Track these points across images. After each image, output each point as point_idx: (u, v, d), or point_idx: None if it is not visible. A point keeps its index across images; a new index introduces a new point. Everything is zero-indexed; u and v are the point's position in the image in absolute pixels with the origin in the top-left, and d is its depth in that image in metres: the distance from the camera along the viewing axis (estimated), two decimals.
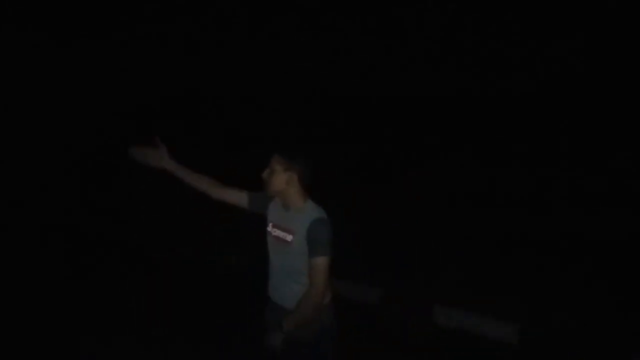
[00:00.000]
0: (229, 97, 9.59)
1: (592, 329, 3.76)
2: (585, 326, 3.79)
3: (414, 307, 4.16)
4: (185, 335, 3.69)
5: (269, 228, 2.21)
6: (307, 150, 2.14)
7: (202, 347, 3.57)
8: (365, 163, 7.86)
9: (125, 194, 6.45)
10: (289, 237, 2.10)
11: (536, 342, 3.68)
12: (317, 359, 2.20)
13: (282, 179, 2.07)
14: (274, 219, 2.20)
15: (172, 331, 3.73)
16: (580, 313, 3.95)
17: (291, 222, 2.12)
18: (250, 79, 9.58)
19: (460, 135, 8.26)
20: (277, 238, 2.16)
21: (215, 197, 2.29)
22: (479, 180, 6.97)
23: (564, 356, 3.58)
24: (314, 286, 2.05)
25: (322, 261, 2.02)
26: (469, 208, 6.32)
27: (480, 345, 3.72)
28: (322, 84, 9.33)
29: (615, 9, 7.84)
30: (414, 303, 4.20)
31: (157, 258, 5.17)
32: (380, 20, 9.52)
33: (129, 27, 9.83)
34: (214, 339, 3.63)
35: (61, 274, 4.71)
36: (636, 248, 5.08)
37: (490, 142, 7.91)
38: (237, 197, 2.29)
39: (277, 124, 8.60)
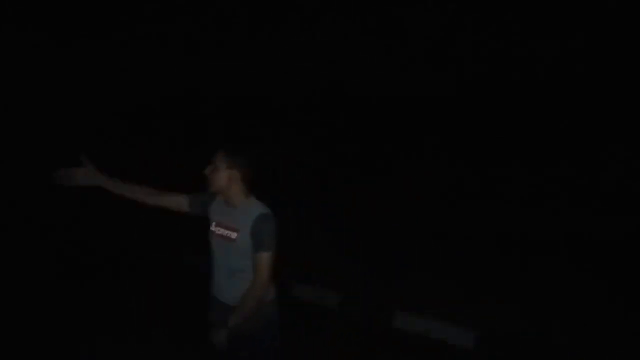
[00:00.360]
0: (229, 97, 9.59)
1: (549, 336, 3.75)
2: (542, 333, 3.78)
3: (374, 311, 4.15)
4: (184, 336, 3.68)
5: (213, 227, 2.20)
6: (252, 149, 2.15)
7: (203, 348, 3.56)
8: (337, 163, 7.82)
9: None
10: (234, 235, 2.11)
11: (492, 348, 3.68)
12: (262, 353, 2.22)
13: (224, 176, 2.09)
14: (217, 218, 2.19)
15: (171, 331, 3.72)
16: (538, 320, 3.95)
17: (235, 219, 2.12)
18: (250, 79, 9.59)
19: (445, 135, 8.28)
20: (221, 236, 2.15)
21: (154, 205, 2.26)
22: (467, 181, 6.99)
23: None
24: (257, 280, 2.07)
25: (265, 256, 2.06)
26: (437, 211, 6.30)
27: (438, 350, 3.71)
28: (321, 84, 9.34)
29: (615, 9, 7.83)
30: (375, 308, 4.19)
31: (155, 259, 5.16)
32: (380, 21, 9.52)
33: (129, 27, 9.83)
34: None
35: (60, 274, 4.71)
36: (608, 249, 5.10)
37: (480, 141, 7.93)
38: (176, 202, 2.25)
39: (277, 124, 8.61)
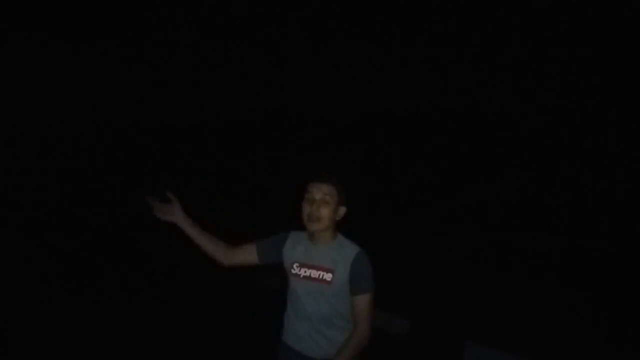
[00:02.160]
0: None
1: None
2: None
3: (444, 342, 3.89)
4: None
5: (295, 269, 1.95)
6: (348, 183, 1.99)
7: None
8: (389, 189, 7.71)
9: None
10: (328, 276, 1.89)
11: None
12: None
13: (335, 213, 1.91)
14: (299, 258, 1.95)
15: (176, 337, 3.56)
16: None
17: (326, 258, 1.91)
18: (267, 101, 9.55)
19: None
20: (310, 278, 1.92)
21: (227, 264, 2.05)
22: (514, 206, 6.89)
23: None
24: (362, 325, 1.88)
25: (369, 298, 1.88)
26: (502, 236, 6.12)
27: None
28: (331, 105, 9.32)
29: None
30: (445, 338, 3.93)
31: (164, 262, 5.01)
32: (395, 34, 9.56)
33: (131, 31, 9.66)
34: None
35: (64, 276, 4.54)
36: None
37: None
38: (247, 256, 2.03)
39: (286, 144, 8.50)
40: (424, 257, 5.50)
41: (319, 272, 1.90)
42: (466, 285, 4.85)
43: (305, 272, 1.93)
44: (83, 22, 9.14)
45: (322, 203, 1.87)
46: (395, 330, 4.11)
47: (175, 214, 2.01)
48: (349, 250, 1.91)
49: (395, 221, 6.59)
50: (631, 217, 6.29)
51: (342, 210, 1.93)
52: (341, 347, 1.88)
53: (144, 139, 8.50)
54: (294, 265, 1.95)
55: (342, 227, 1.99)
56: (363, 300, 1.87)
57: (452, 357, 3.74)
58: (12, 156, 6.86)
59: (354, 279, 1.87)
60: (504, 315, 4.28)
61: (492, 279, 5.03)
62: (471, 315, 4.28)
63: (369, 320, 1.88)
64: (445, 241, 5.98)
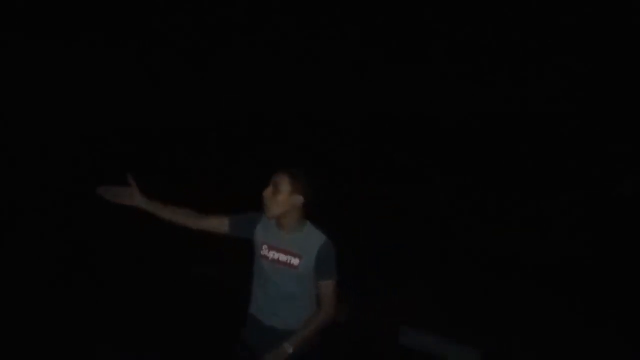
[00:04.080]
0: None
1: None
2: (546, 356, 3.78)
3: (380, 326, 4.05)
4: (187, 346, 3.60)
5: (264, 251, 2.10)
6: (313, 173, 2.10)
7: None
8: (337, 175, 7.73)
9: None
10: (295, 261, 2.04)
11: None
12: None
13: (286, 201, 2.00)
14: (269, 241, 2.09)
15: (174, 340, 3.61)
16: (543, 342, 3.95)
17: (294, 244, 2.06)
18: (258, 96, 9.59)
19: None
20: (277, 261, 2.07)
21: (196, 228, 2.18)
22: (452, 198, 7.02)
23: None
24: (326, 309, 2.09)
25: (333, 284, 2.08)
26: (440, 226, 6.25)
27: None
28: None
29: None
30: (381, 322, 4.09)
31: (161, 264, 4.92)
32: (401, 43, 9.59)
33: (134, 28, 9.74)
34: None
35: (61, 276, 4.51)
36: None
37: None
38: (218, 224, 2.16)
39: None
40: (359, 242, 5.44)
41: (287, 257, 2.05)
42: (408, 274, 4.97)
43: (273, 254, 2.07)
44: (76, 22, 9.23)
45: (275, 191, 2.00)
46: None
47: (134, 197, 2.12)
48: (316, 238, 2.06)
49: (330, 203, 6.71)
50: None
51: (297, 199, 2.00)
52: (304, 323, 2.09)
53: (142, 141, 8.53)
54: (263, 247, 2.09)
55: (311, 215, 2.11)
56: (327, 286, 2.07)
57: (386, 341, 3.88)
58: (9, 158, 6.94)
59: (320, 266, 2.03)
60: (443, 302, 4.44)
61: (437, 270, 5.17)
62: (409, 301, 4.41)
63: (333, 304, 2.09)
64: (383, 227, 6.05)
